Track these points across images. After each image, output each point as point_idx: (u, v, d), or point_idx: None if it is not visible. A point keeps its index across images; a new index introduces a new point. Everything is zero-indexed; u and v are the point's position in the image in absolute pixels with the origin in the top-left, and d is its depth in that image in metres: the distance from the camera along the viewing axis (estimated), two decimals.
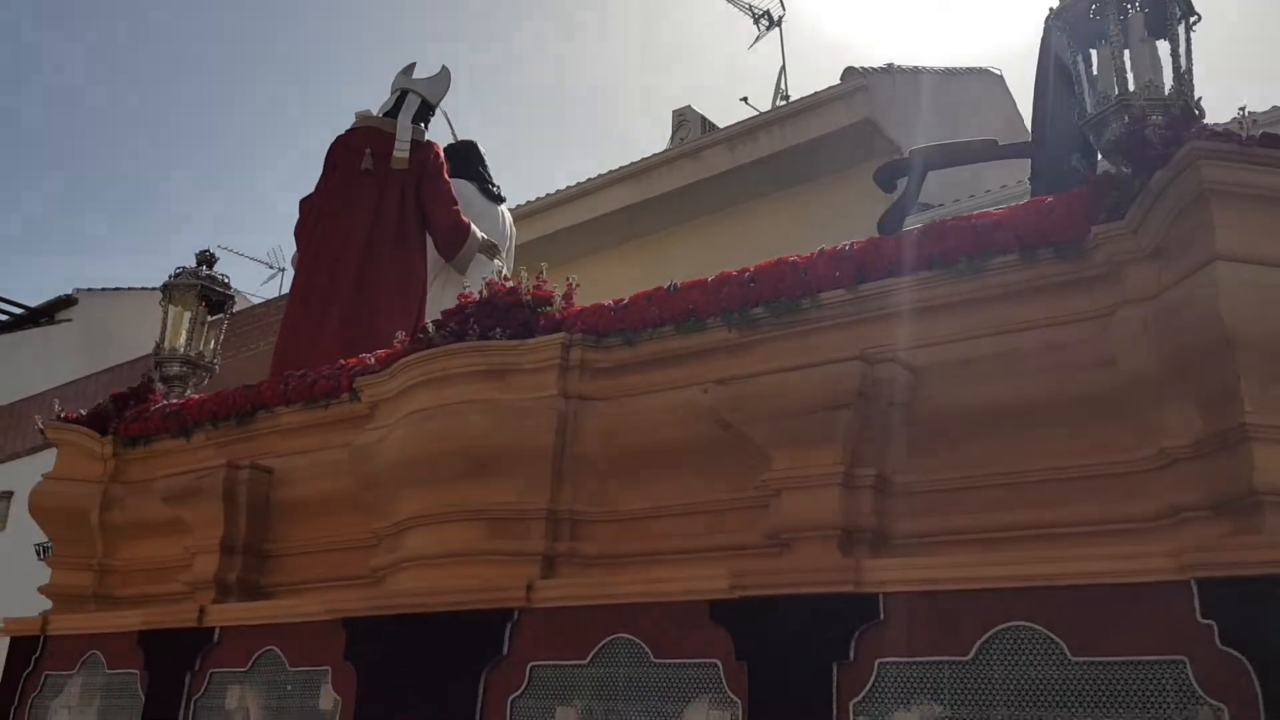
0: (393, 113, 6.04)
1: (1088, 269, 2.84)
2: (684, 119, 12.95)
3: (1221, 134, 2.56)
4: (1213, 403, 2.54)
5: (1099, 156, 3.22)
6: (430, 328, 3.95)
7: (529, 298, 3.89)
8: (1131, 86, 3.08)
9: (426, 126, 6.16)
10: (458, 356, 3.82)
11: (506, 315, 3.86)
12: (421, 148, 5.88)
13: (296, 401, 4.58)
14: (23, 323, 19.12)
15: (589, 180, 11.67)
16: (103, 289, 19.14)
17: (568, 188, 11.82)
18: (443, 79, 6.32)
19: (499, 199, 6.57)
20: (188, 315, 5.67)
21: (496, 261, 6.18)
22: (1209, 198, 2.51)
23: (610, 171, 11.55)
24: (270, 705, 4.04)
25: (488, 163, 6.66)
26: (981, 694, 2.60)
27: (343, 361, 4.52)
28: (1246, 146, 2.52)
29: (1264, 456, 2.41)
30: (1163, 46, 3.20)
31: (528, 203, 11.74)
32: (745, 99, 13.14)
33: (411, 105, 6.06)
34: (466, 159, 6.57)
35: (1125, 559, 2.48)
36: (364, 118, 6.02)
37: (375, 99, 6.22)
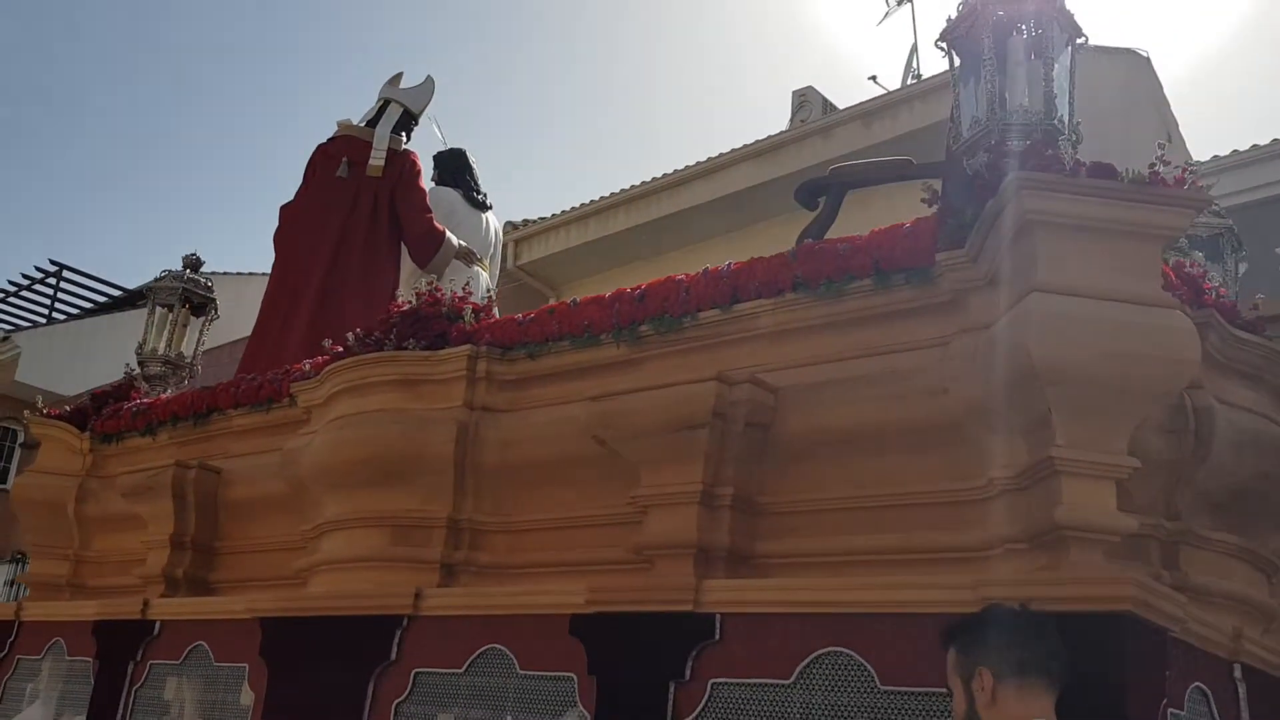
0: (374, 121, 6.18)
1: (936, 296, 2.83)
2: (805, 99, 12.17)
3: (1050, 161, 2.54)
4: (1033, 434, 2.52)
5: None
6: (351, 337, 4.05)
7: (446, 309, 3.98)
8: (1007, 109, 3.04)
9: (408, 136, 6.29)
10: (373, 366, 3.93)
11: (423, 326, 3.95)
12: (398, 156, 6.01)
13: (245, 404, 4.74)
14: (122, 304, 19.64)
15: (710, 159, 10.82)
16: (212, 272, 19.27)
17: (686, 167, 11.01)
18: (425, 89, 6.44)
19: (484, 206, 6.67)
20: (170, 317, 5.87)
21: (476, 268, 6.28)
22: (1032, 227, 2.49)
23: (734, 150, 10.63)
24: (204, 699, 4.20)
25: (475, 170, 6.76)
26: (799, 717, 2.61)
27: (290, 366, 4.66)
28: (1070, 176, 2.49)
29: (1071, 491, 2.38)
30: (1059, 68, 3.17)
31: (642, 183, 11.23)
32: (874, 78, 12.34)
33: (393, 115, 6.19)
34: (453, 166, 6.69)
35: (933, 589, 2.47)
36: (345, 126, 6.17)
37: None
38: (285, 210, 6.05)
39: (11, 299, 20.92)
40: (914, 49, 12.38)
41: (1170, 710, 2.31)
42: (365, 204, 5.84)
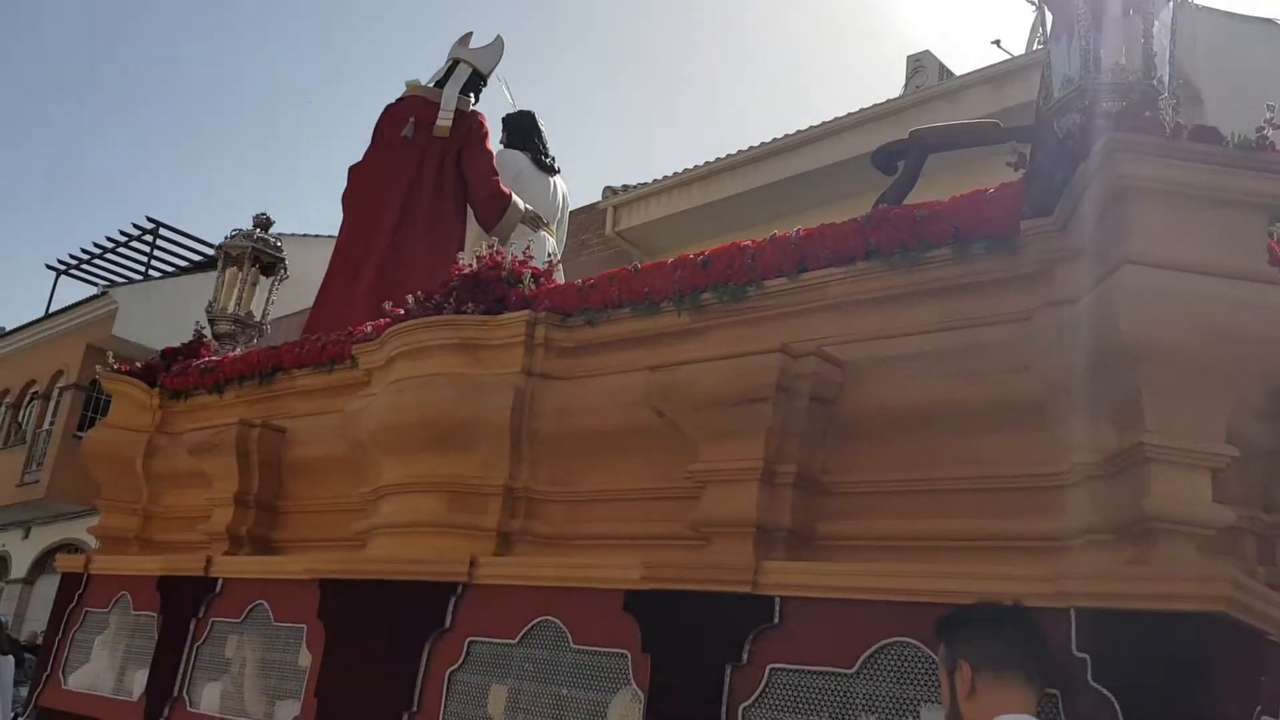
0: (442, 82, 6.10)
1: (1019, 267, 2.66)
2: (920, 65, 11.87)
3: (1148, 123, 2.34)
4: (1121, 418, 2.35)
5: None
6: (411, 300, 3.99)
7: (506, 273, 3.90)
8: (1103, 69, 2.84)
9: (477, 97, 6.21)
10: (432, 330, 3.87)
11: (482, 290, 3.87)
12: (465, 117, 5.93)
13: (308, 365, 4.73)
14: (214, 263, 20.00)
15: (822, 124, 10.34)
16: (293, 234, 18.64)
17: (796, 132, 10.52)
18: (494, 49, 6.34)
19: (552, 170, 6.57)
20: (240, 276, 5.89)
21: (542, 232, 6.20)
22: (1127, 195, 2.31)
23: (848, 114, 10.15)
24: (264, 658, 4.21)
25: (544, 133, 6.65)
26: (864, 709, 2.49)
27: (353, 328, 4.63)
28: (1171, 140, 2.30)
29: (1161, 480, 2.21)
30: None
31: (749, 148, 10.83)
32: (998, 41, 12.14)
33: (461, 75, 6.11)
34: (521, 129, 6.59)
35: (1010, 580, 2.31)
36: (413, 87, 6.11)
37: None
38: (354, 171, 6.02)
39: (109, 255, 21.43)
40: (1040, 8, 11.80)
41: (1265, 717, 2.14)
42: (431, 165, 5.78)
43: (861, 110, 10.05)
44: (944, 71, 11.35)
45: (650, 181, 11.74)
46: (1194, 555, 2.19)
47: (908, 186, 3.76)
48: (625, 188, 11.97)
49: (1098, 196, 2.38)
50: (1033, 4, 3.11)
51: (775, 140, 10.75)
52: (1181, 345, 2.20)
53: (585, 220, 12.57)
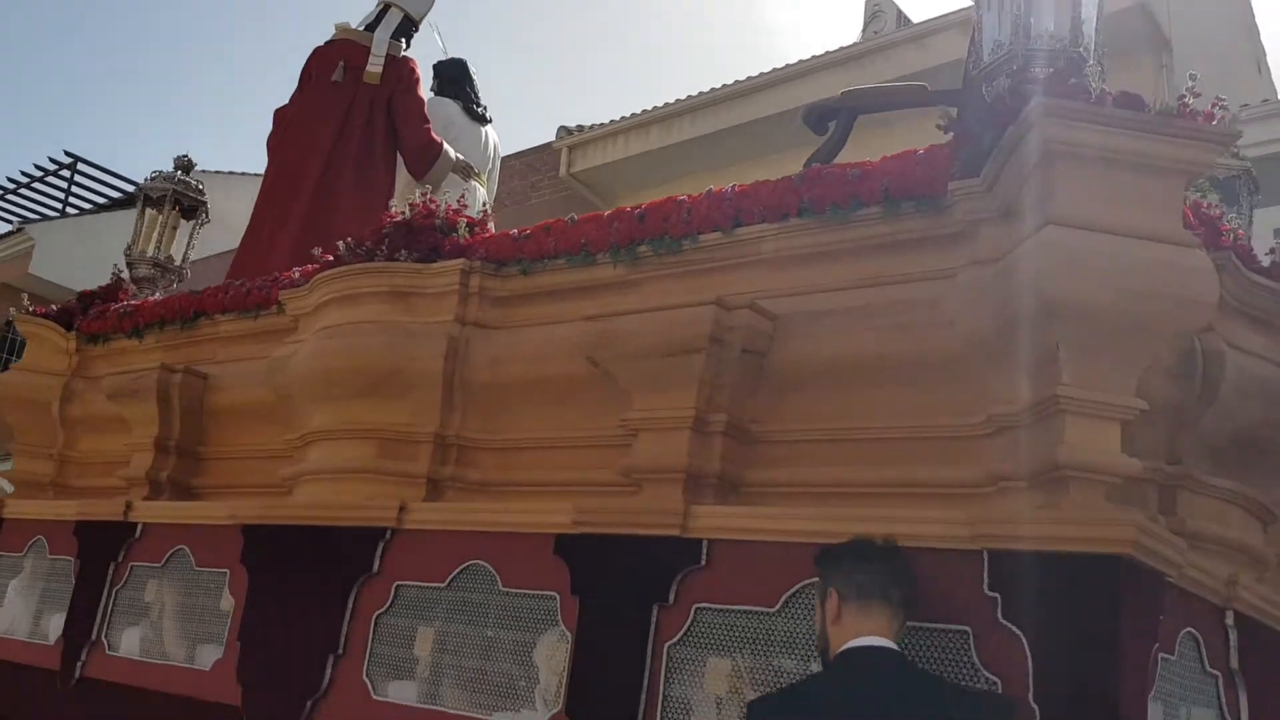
0: (373, 26, 6.00)
1: (946, 226, 2.74)
2: (879, 9, 11.70)
3: (1075, 89, 2.43)
4: (1038, 372, 2.45)
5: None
6: (342, 246, 3.95)
7: (440, 221, 3.88)
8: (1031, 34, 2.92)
9: (408, 43, 6.12)
10: (364, 276, 3.85)
11: (416, 237, 3.85)
12: (396, 63, 5.85)
13: (232, 310, 4.66)
14: (135, 201, 19.19)
15: (781, 68, 10.08)
16: (215, 171, 17.36)
17: (759, 74, 10.30)
18: None
19: (484, 119, 6.52)
20: (160, 219, 5.75)
21: (473, 182, 6.16)
22: (1052, 158, 2.39)
23: (809, 58, 9.89)
24: (184, 602, 4.18)
25: (475, 81, 6.59)
26: (784, 647, 2.58)
27: (280, 274, 4.57)
28: (1095, 105, 2.39)
29: (1075, 430, 2.32)
30: None
31: (711, 89, 10.58)
32: None
33: (393, 20, 6.01)
34: (453, 76, 6.53)
35: (927, 523, 2.42)
36: (342, 30, 5.99)
37: None
38: (279, 114, 5.90)
39: (22, 190, 20.48)
40: None
41: (1161, 654, 2.28)
42: (361, 111, 5.69)
43: (826, 52, 9.91)
44: (901, 18, 11.17)
45: (607, 122, 11.28)
46: (1102, 502, 2.31)
47: (838, 146, 3.83)
48: (581, 128, 11.48)
49: (1023, 159, 2.46)
50: None
51: (736, 83, 10.48)
52: (1098, 303, 2.30)
53: (537, 161, 12.14)
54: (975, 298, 2.57)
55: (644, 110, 11.08)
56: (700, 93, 10.72)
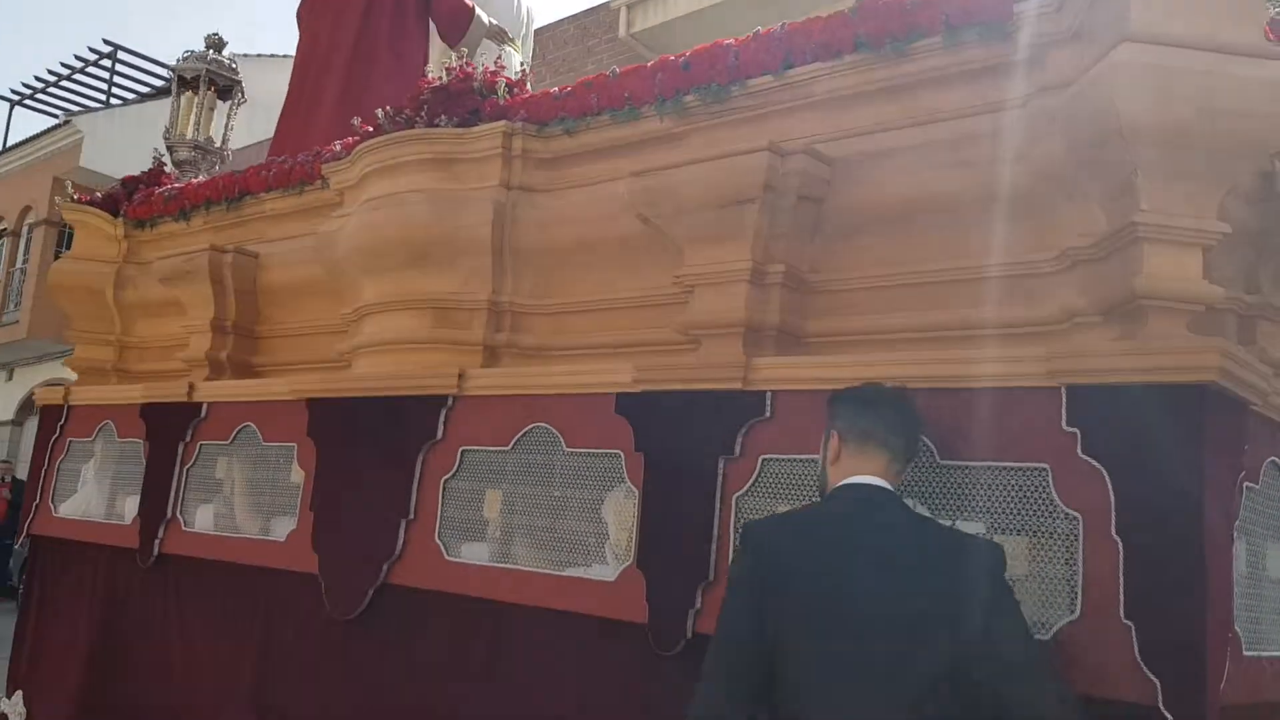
0: None
1: (1011, 53, 2.61)
2: None
3: None
4: (1114, 201, 2.35)
5: None
6: (381, 115, 3.87)
7: (479, 84, 3.77)
8: None
9: None
10: (405, 144, 3.77)
11: (455, 102, 3.76)
12: None
13: (276, 188, 4.62)
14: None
15: None
16: (249, 54, 17.59)
17: None
18: None
19: None
20: (196, 101, 5.68)
21: (508, 48, 5.99)
22: None
23: None
24: (254, 477, 4.27)
25: None
26: None
27: (321, 148, 4.51)
28: None
29: (1154, 258, 2.23)
30: None
31: None
32: None
33: None
34: None
35: (1002, 362, 2.36)
36: None
37: None
38: None
39: (65, 82, 20.32)
40: None
41: (1246, 484, 2.23)
42: None
43: None
44: None
45: None
46: (1183, 332, 2.23)
47: None
48: None
49: None
50: None
51: None
52: (1178, 123, 2.18)
53: (591, 24, 11.61)
54: (1045, 126, 2.46)
55: None
56: None
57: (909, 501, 2.30)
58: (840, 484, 2.24)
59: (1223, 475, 2.11)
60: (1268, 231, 2.62)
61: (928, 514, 2.36)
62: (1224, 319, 2.55)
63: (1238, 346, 2.45)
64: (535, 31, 11.49)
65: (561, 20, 11.96)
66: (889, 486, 2.21)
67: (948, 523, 2.33)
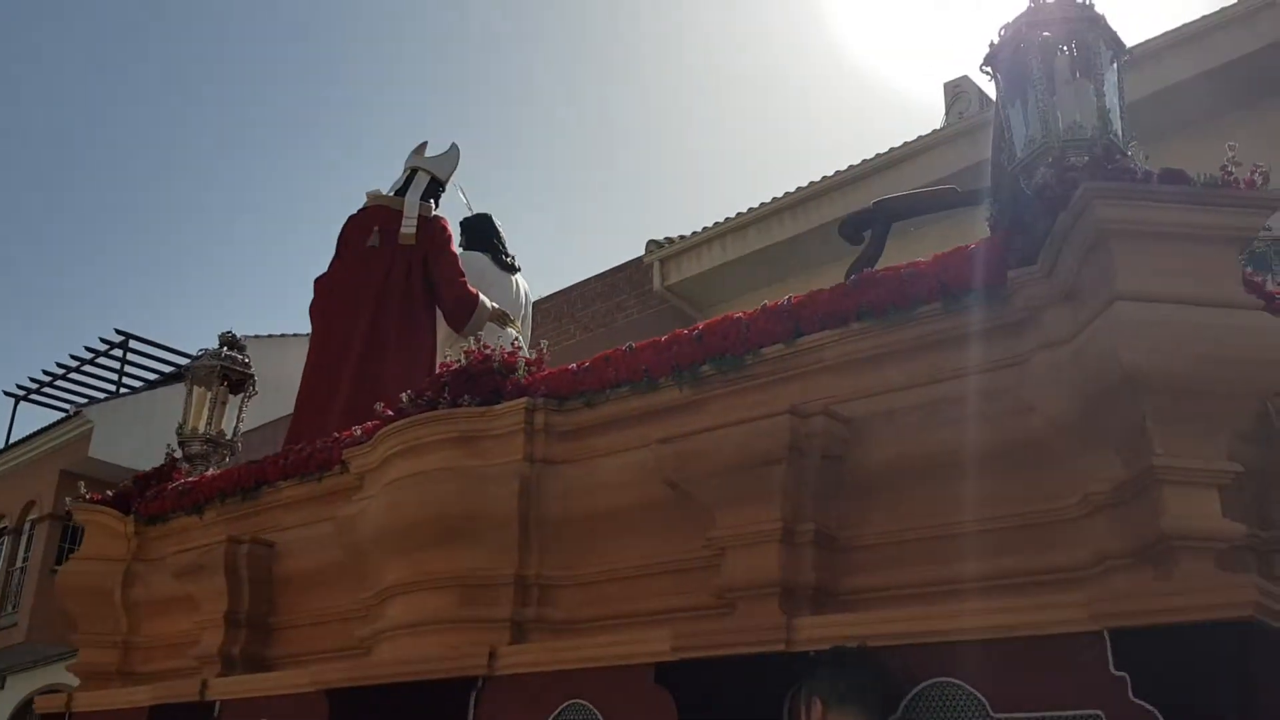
0: (402, 190, 6.24)
1: (1008, 315, 2.81)
2: (960, 90, 11.30)
3: (1121, 171, 2.53)
4: (1128, 446, 2.48)
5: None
6: (405, 398, 4.03)
7: (498, 364, 3.97)
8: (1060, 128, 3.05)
9: (437, 203, 6.34)
10: (429, 425, 3.91)
11: (476, 382, 3.93)
12: (429, 223, 6.05)
13: (294, 475, 4.71)
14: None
15: (865, 161, 9.80)
16: (269, 335, 17.83)
17: (847, 168, 9.91)
18: (450, 156, 6.51)
19: (512, 268, 6.70)
20: (209, 395, 5.86)
21: (510, 330, 6.29)
22: (1107, 237, 2.48)
23: (891, 150, 9.55)
24: None
25: (501, 233, 6.80)
26: None
27: (338, 434, 4.64)
28: (1141, 183, 2.48)
29: (1175, 500, 2.34)
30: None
31: (798, 188, 10.15)
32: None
33: (420, 183, 6.25)
34: (480, 231, 6.73)
35: (1040, 610, 2.41)
36: (374, 197, 6.23)
37: None
38: (320, 282, 6.08)
39: (74, 374, 20.41)
40: (995, 78, 11.33)
41: None
42: (399, 272, 5.86)
43: (918, 139, 9.58)
44: (983, 98, 10.59)
45: (700, 230, 10.94)
46: (1213, 569, 2.31)
47: (876, 254, 3.95)
48: (669, 240, 11.14)
49: (1080, 241, 2.55)
50: (986, 73, 3.33)
51: (824, 179, 10.14)
52: (1177, 371, 2.35)
53: (621, 280, 11.98)
54: (1052, 380, 2.62)
55: (729, 217, 10.77)
56: (785, 193, 10.36)
57: None
58: None
59: (1271, 708, 2.12)
60: (1272, 467, 2.74)
61: None
62: (1244, 555, 2.63)
63: (1267, 581, 2.52)
64: (564, 290, 12.11)
65: (592, 278, 12.41)
66: None
67: None
